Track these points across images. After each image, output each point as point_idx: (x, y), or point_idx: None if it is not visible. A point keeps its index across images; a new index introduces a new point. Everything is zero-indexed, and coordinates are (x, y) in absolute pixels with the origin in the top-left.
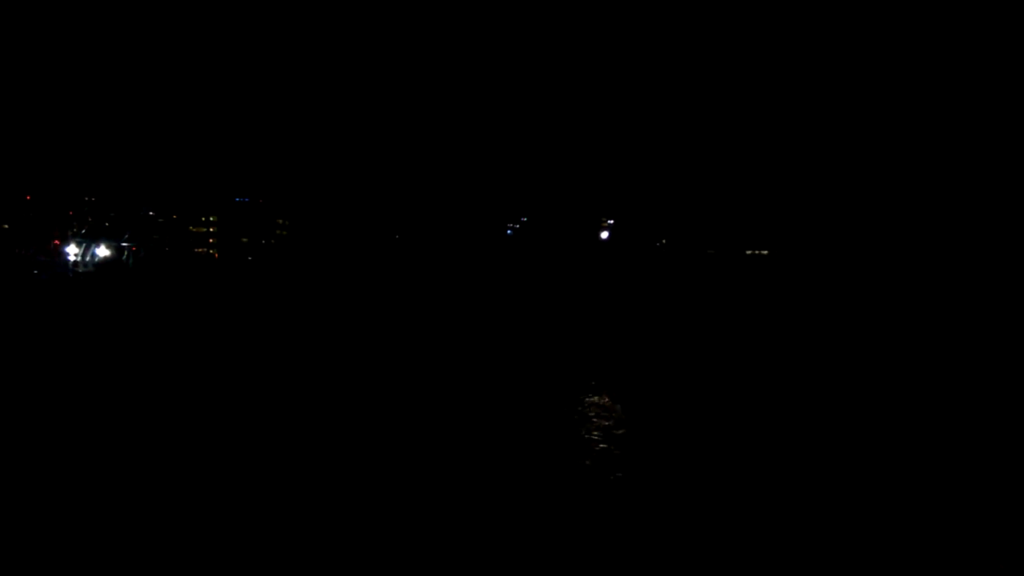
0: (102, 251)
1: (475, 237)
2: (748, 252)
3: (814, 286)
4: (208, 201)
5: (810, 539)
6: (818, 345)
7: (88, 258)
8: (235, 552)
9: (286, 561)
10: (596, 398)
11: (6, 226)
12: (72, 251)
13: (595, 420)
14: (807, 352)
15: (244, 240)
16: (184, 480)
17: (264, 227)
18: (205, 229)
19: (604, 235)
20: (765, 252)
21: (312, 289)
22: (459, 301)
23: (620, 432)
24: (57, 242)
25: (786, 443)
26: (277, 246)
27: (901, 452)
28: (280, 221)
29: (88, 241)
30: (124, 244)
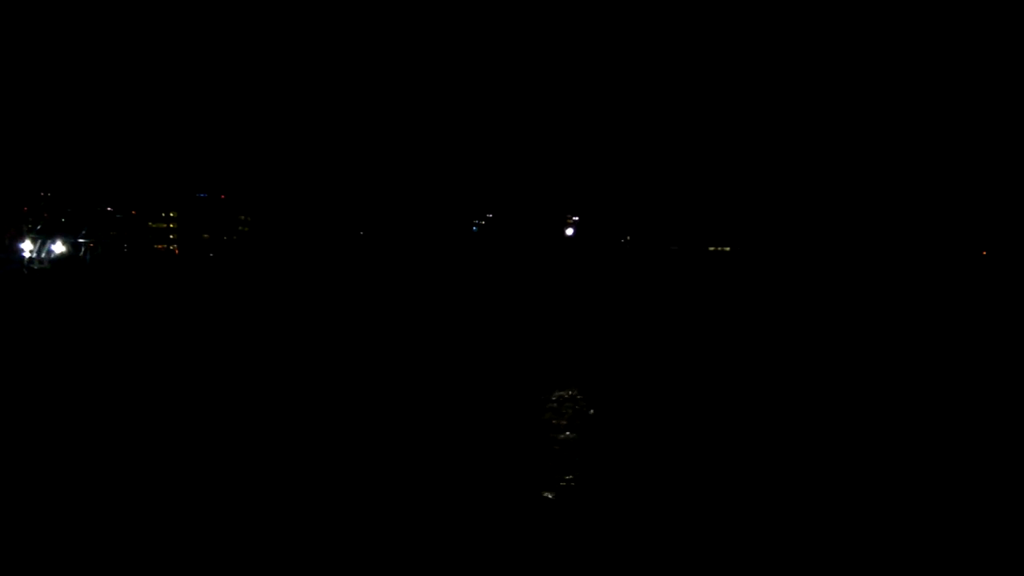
0: (58, 247)
1: (440, 233)
2: (711, 248)
3: (776, 281)
4: (168, 197)
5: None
6: (781, 338)
7: (44, 254)
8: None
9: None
10: (563, 392)
11: None
12: (27, 247)
13: (560, 414)
14: (770, 345)
15: (205, 236)
16: (145, 488)
17: (226, 223)
18: (165, 225)
19: (569, 232)
20: (728, 248)
21: (275, 286)
22: (424, 297)
23: (586, 424)
24: (11, 237)
25: (750, 435)
26: (239, 242)
27: (858, 442)
28: (242, 217)
29: (44, 237)
30: (81, 240)
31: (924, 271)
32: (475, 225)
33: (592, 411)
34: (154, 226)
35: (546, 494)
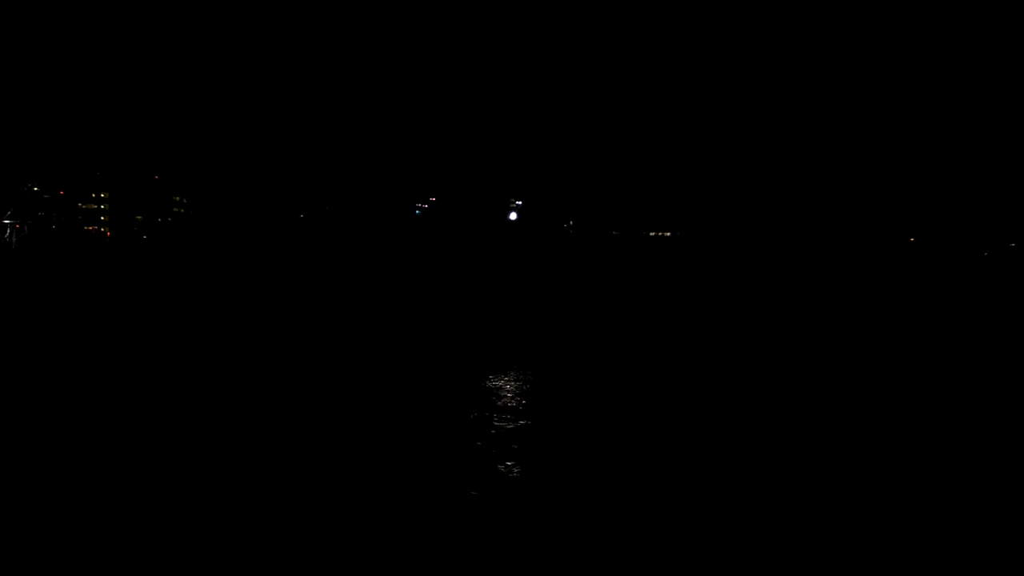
0: None
1: (382, 216)
2: (651, 233)
3: (714, 265)
4: (99, 176)
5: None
6: (717, 320)
7: None
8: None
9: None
10: (506, 377)
11: None
12: None
13: (504, 399)
14: (707, 327)
15: (139, 218)
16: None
17: (160, 204)
18: (96, 206)
19: (512, 216)
20: (667, 234)
21: (210, 270)
22: (365, 280)
23: (531, 411)
24: None
25: (683, 416)
26: (174, 224)
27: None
28: (177, 199)
29: None
30: (6, 222)
31: (859, 258)
32: (418, 208)
33: (536, 395)
34: (84, 207)
35: (496, 481)
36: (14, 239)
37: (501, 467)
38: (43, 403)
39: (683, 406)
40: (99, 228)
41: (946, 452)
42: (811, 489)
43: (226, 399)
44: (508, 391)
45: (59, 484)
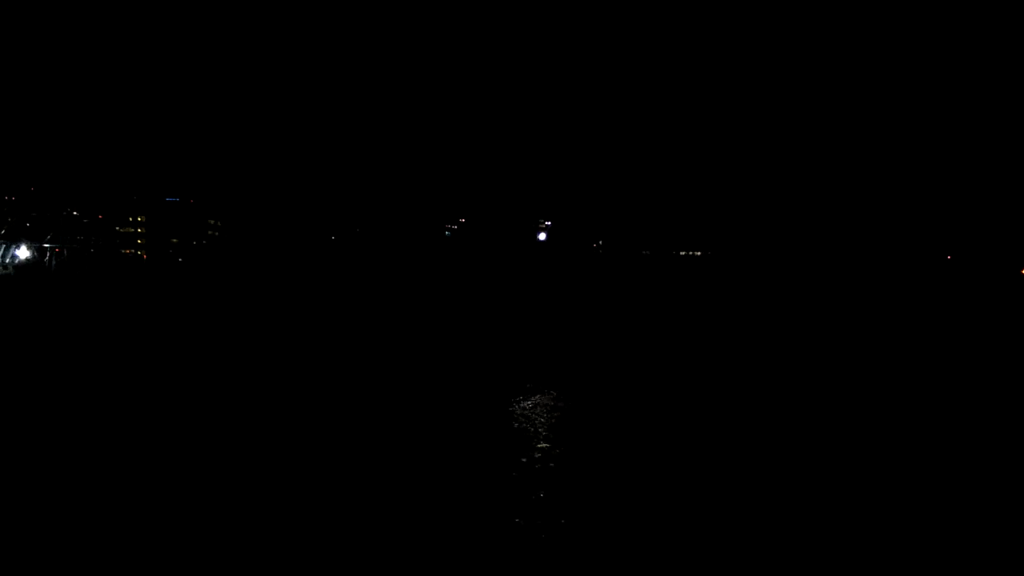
0: (23, 252)
1: (413, 238)
2: (682, 253)
3: (747, 285)
4: (136, 201)
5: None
6: (754, 341)
7: (8, 260)
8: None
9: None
10: (538, 396)
11: None
12: None
13: (536, 420)
14: (743, 348)
15: (174, 241)
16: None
17: (195, 227)
18: (133, 229)
19: (542, 236)
20: (698, 253)
21: (246, 292)
22: (398, 301)
23: (563, 429)
24: None
25: (723, 437)
26: (209, 247)
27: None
28: (212, 222)
29: (7, 242)
30: (47, 245)
31: (896, 276)
32: (448, 230)
33: (568, 415)
34: (122, 230)
35: (528, 499)
36: (54, 262)
37: (517, 491)
38: (74, 408)
39: (708, 430)
40: (135, 251)
41: (952, 465)
42: (853, 539)
43: (246, 419)
44: (533, 412)
45: (81, 485)
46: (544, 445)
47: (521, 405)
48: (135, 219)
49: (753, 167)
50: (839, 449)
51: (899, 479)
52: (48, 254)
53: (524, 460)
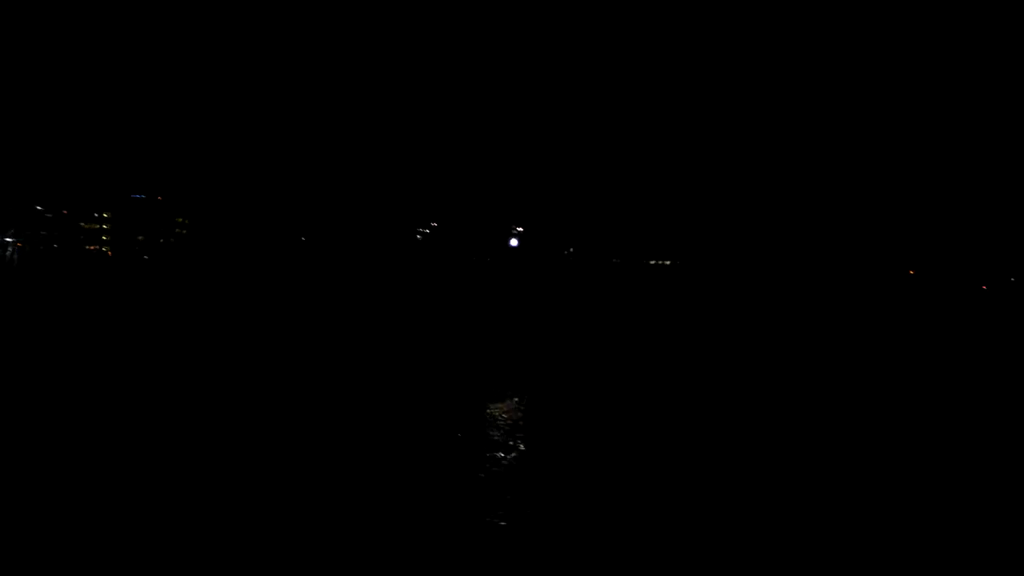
0: None
1: (382, 241)
2: (652, 262)
3: (714, 294)
4: (102, 197)
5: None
6: (718, 348)
7: None
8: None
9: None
10: (509, 401)
11: None
12: None
13: (506, 422)
14: (707, 355)
15: (140, 238)
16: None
17: (162, 225)
18: (98, 226)
19: (513, 242)
20: (668, 262)
21: (211, 290)
22: (364, 306)
23: (534, 432)
24: None
25: (686, 441)
26: (176, 245)
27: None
28: (179, 219)
29: None
30: (8, 240)
31: (876, 284)
32: (419, 234)
33: (538, 419)
34: (87, 226)
35: (503, 500)
36: (16, 256)
37: (491, 492)
38: (43, 408)
39: (679, 431)
40: (100, 247)
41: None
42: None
43: (213, 421)
44: (503, 415)
45: (60, 485)
46: (513, 450)
47: (491, 409)
48: (101, 215)
49: (723, 179)
50: (801, 451)
51: (869, 482)
52: (10, 248)
53: (493, 464)
